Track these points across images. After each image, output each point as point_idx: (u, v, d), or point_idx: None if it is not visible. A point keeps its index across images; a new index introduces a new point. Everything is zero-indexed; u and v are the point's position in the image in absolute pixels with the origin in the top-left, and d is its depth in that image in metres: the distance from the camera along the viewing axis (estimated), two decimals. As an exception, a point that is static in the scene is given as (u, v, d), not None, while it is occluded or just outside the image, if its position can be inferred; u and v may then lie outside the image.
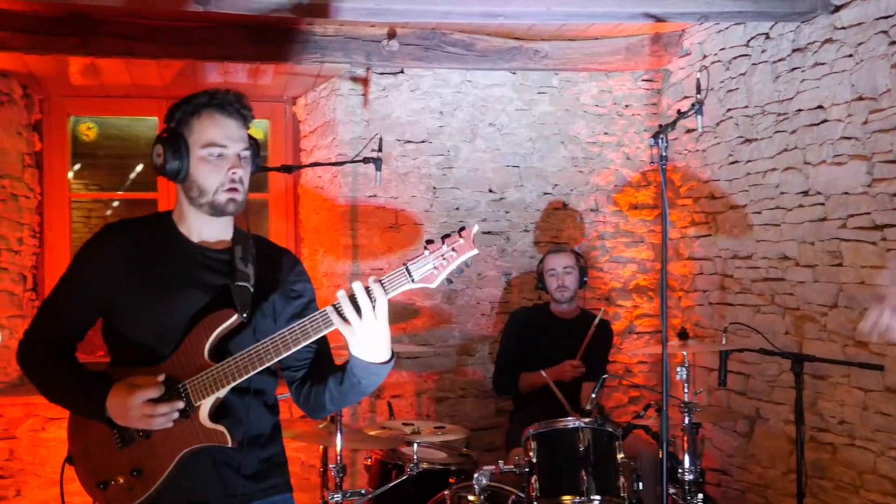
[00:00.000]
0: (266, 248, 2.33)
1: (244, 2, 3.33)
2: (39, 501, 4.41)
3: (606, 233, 5.07)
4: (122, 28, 4.21)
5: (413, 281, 1.96)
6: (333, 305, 1.99)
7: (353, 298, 1.95)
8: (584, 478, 3.10)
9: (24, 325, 4.59)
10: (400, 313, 4.78)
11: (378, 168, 3.81)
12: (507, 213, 4.93)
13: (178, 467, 2.08)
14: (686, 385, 3.34)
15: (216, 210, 2.14)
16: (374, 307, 1.94)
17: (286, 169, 3.47)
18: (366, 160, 3.83)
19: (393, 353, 2.09)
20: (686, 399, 3.35)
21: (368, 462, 3.81)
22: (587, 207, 5.05)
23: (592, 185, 5.05)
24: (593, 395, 3.34)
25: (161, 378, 2.06)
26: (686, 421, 3.33)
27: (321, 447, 3.62)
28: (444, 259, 1.95)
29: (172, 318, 2.14)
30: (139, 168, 5.55)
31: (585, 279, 4.43)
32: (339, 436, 3.28)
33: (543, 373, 3.83)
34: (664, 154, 2.97)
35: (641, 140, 5.06)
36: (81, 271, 2.23)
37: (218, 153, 2.12)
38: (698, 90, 3.19)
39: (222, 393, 2.07)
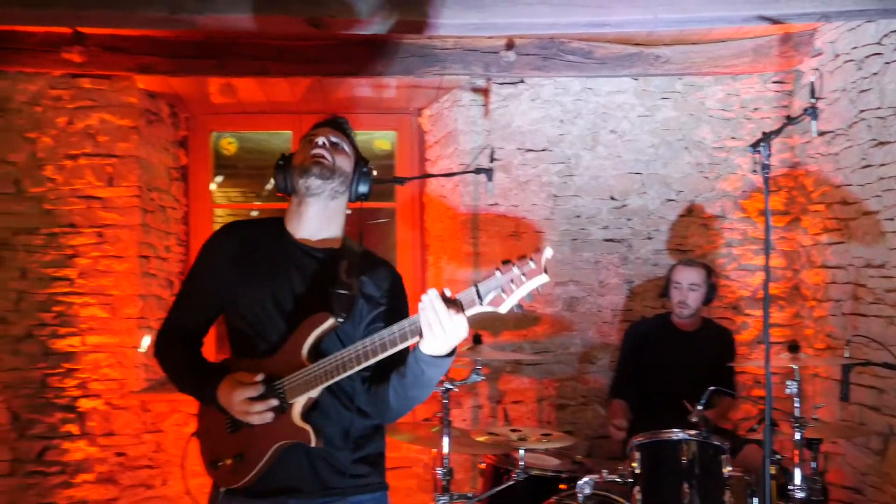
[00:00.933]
0: (369, 259, 2.44)
1: (352, 22, 3.48)
2: (184, 491, 4.73)
3: (734, 240, 4.93)
4: (254, 49, 4.48)
5: (482, 304, 1.96)
6: (413, 320, 2.04)
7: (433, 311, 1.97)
8: (687, 490, 3.06)
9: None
10: (521, 321, 4.84)
11: (490, 178, 3.90)
12: (629, 220, 4.89)
13: (272, 458, 2.24)
14: (796, 399, 3.22)
15: (304, 174, 2.30)
16: (452, 321, 1.96)
17: (398, 181, 3.60)
18: (478, 171, 3.92)
19: (454, 348, 2.09)
20: (797, 414, 3.23)
21: (482, 466, 3.90)
22: (713, 214, 4.93)
23: (719, 191, 4.93)
24: (699, 408, 3.29)
25: (260, 378, 2.22)
26: (797, 436, 3.21)
27: (433, 450, 3.72)
28: (512, 283, 1.92)
29: (266, 308, 2.32)
30: (275, 179, 5.84)
31: (713, 297, 4.32)
32: (445, 440, 3.38)
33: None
34: (767, 163, 2.91)
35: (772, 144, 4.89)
36: (199, 266, 2.48)
37: (310, 139, 2.37)
38: (812, 94, 3.10)
39: (315, 393, 2.21)
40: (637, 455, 3.22)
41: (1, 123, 4.61)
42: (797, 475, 3.18)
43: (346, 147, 2.39)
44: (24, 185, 4.62)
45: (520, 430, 3.62)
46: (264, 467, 2.26)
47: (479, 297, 1.95)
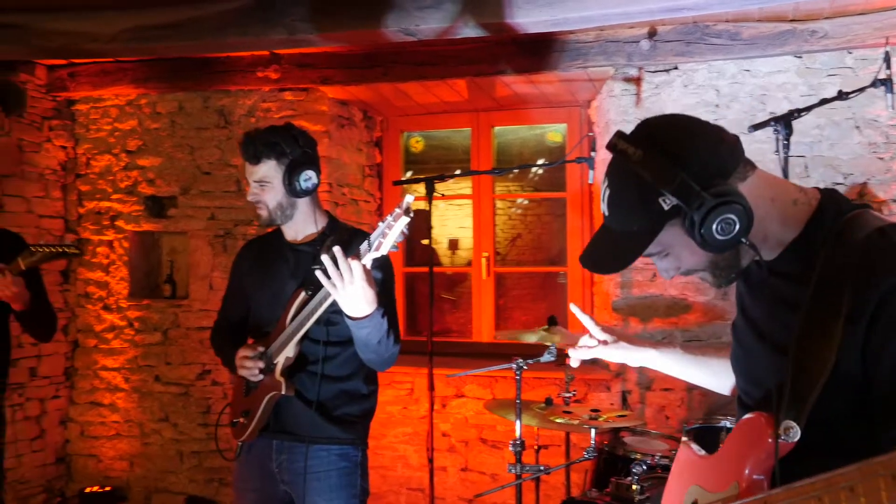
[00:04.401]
0: (350, 236, 2.85)
1: (441, 27, 3.81)
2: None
3: (912, 225, 4.49)
4: (413, 56, 4.96)
5: (370, 250, 2.33)
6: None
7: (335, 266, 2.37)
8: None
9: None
10: (672, 308, 4.83)
11: (591, 167, 4.00)
12: (789, 205, 4.65)
13: (267, 409, 2.74)
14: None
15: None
16: (351, 272, 2.34)
17: (476, 172, 3.86)
18: (578, 160, 4.05)
19: (377, 309, 2.45)
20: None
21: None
22: (889, 197, 4.53)
23: (895, 173, 4.52)
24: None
25: (260, 349, 2.75)
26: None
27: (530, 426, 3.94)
28: (387, 229, 2.29)
29: (265, 299, 2.88)
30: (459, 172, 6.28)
31: None
32: (518, 418, 3.62)
33: None
34: (786, 142, 2.79)
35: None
36: (230, 276, 3.14)
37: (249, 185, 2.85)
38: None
39: (290, 352, 2.69)
40: (685, 440, 3.21)
41: (226, 133, 5.56)
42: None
43: (271, 175, 2.78)
44: (242, 184, 5.51)
45: (598, 411, 3.72)
46: (262, 419, 2.76)
47: (370, 244, 2.33)
